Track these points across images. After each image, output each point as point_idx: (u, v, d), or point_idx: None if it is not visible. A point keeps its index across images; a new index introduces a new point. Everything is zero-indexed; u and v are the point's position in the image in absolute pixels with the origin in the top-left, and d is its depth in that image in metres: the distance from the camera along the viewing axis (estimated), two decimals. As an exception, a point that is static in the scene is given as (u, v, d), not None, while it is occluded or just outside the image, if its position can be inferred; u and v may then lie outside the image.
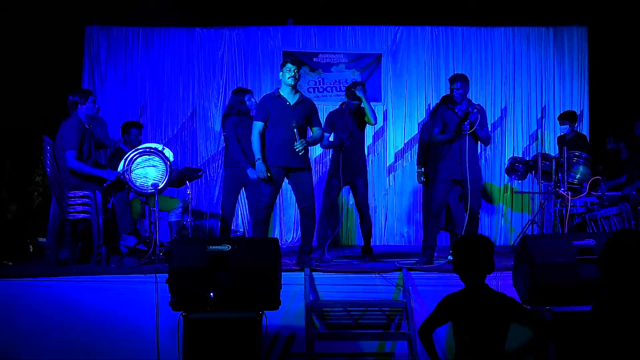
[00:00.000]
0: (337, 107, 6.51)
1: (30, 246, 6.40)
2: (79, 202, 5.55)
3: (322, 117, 6.43)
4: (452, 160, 5.69)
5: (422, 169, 6.67)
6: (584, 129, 8.34)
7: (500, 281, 4.71)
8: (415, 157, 7.11)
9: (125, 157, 5.52)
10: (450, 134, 5.69)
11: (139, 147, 5.68)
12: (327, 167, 6.52)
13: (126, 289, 4.94)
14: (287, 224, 8.30)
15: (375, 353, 4.97)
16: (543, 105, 8.48)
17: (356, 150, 6.24)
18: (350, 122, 6.20)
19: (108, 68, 8.27)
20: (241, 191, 6.59)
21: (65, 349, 4.82)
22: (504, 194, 8.41)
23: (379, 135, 8.42)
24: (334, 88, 8.33)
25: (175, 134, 8.34)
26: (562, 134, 7.76)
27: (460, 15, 8.32)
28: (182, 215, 7.22)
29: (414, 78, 8.40)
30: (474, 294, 3.20)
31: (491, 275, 3.25)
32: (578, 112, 8.17)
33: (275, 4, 8.22)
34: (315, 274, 5.13)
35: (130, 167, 5.46)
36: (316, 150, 8.04)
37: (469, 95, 5.83)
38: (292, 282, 4.96)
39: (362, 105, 6.13)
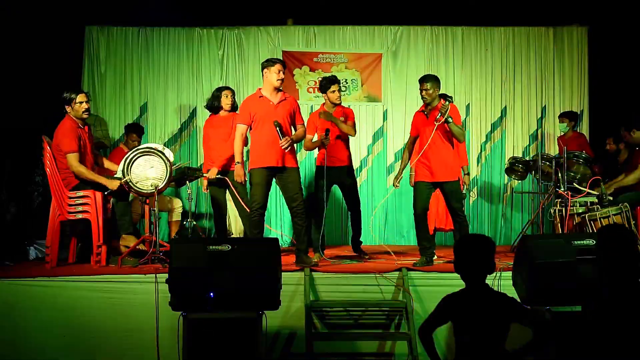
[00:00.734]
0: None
1: (29, 248, 6.39)
2: (79, 202, 5.55)
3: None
4: (425, 163, 5.65)
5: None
6: (584, 129, 8.34)
7: (500, 281, 4.72)
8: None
9: (125, 158, 5.52)
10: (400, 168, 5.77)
11: (138, 147, 5.68)
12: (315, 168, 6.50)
13: (126, 289, 4.94)
14: (287, 224, 8.30)
15: (375, 353, 4.97)
16: (543, 105, 8.48)
17: (339, 148, 6.22)
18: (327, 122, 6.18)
19: (108, 68, 8.27)
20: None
21: (65, 349, 4.82)
22: (504, 194, 8.41)
23: (379, 135, 8.42)
24: (334, 88, 8.30)
25: (175, 134, 8.34)
26: (562, 133, 7.77)
27: (460, 15, 8.32)
28: (182, 215, 7.23)
29: (414, 78, 8.37)
30: (474, 294, 3.20)
31: (491, 275, 3.25)
32: (578, 112, 8.17)
33: (275, 4, 8.22)
34: (315, 274, 5.14)
35: (130, 168, 5.46)
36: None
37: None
38: (292, 282, 4.96)
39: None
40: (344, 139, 6.26)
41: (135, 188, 5.49)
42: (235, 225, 7.21)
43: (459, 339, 3.20)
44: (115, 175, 5.60)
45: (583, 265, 3.85)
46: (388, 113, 8.40)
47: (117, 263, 5.43)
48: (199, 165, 8.20)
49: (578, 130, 8.00)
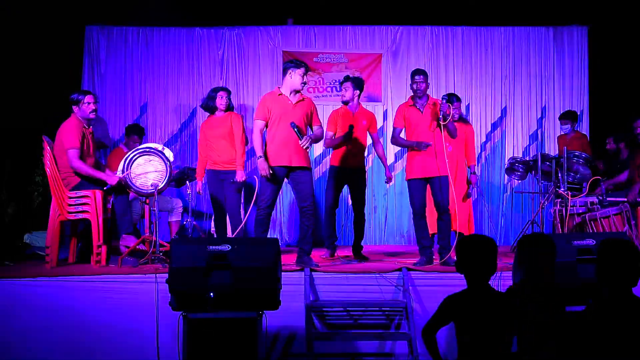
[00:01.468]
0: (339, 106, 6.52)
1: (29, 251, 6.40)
2: (79, 202, 5.55)
3: (322, 117, 6.46)
4: (419, 159, 5.64)
5: None
6: (584, 129, 8.34)
7: (500, 281, 4.71)
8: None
9: (125, 158, 5.53)
10: (412, 143, 5.64)
11: (138, 147, 5.69)
12: (328, 167, 6.53)
13: (126, 289, 4.94)
14: (287, 224, 8.31)
15: (375, 353, 4.96)
16: (543, 105, 8.48)
17: (352, 148, 6.23)
18: (345, 120, 6.19)
19: (108, 68, 8.27)
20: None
21: (65, 349, 4.81)
22: (504, 194, 8.41)
23: (378, 135, 8.40)
24: (334, 88, 8.33)
25: (175, 134, 8.34)
26: (563, 133, 7.77)
27: (460, 15, 8.32)
28: (182, 215, 7.24)
29: (414, 78, 8.39)
30: (476, 295, 3.19)
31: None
32: (578, 112, 8.17)
33: (275, 4, 8.22)
34: (315, 274, 5.13)
35: (130, 168, 5.46)
36: (316, 150, 8.05)
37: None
38: (292, 282, 4.95)
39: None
40: (361, 140, 6.28)
41: (135, 188, 5.49)
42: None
43: (460, 339, 3.19)
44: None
45: (583, 265, 3.85)
46: (388, 113, 8.40)
47: (117, 263, 5.43)
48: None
49: (578, 130, 8.00)
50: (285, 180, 5.56)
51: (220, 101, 6.38)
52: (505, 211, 8.40)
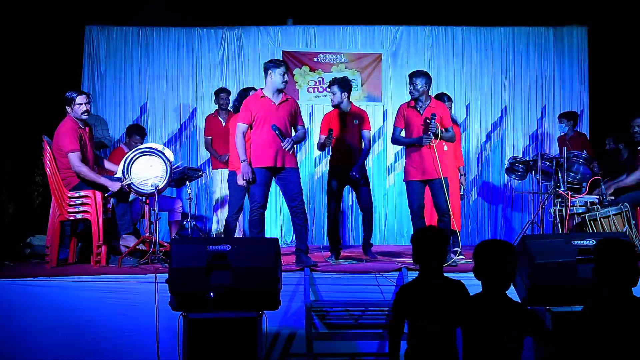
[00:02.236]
0: None
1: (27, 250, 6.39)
2: (79, 202, 5.55)
3: (322, 118, 6.46)
4: (418, 161, 5.64)
5: None
6: (584, 129, 8.34)
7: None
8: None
9: (125, 158, 5.53)
10: (413, 140, 5.63)
11: (139, 148, 5.69)
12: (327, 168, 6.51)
13: (126, 289, 4.94)
14: (287, 224, 8.30)
15: (375, 353, 4.96)
16: (543, 105, 8.49)
17: (347, 149, 6.22)
18: (337, 121, 6.18)
19: (108, 68, 8.28)
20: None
21: (65, 349, 4.81)
22: (504, 194, 8.42)
23: (378, 135, 8.43)
24: (334, 88, 8.30)
25: (175, 134, 8.34)
26: (563, 133, 7.77)
27: (460, 15, 8.32)
28: (182, 215, 7.23)
29: (414, 78, 8.39)
30: (489, 301, 3.12)
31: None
32: (578, 112, 8.17)
33: (275, 4, 8.22)
34: (315, 274, 5.13)
35: (130, 168, 5.46)
36: (316, 150, 8.04)
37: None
38: (292, 282, 4.96)
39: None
40: (355, 140, 6.27)
41: (136, 188, 5.49)
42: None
43: (467, 344, 3.13)
44: (115, 176, 5.60)
45: (583, 265, 3.85)
46: (388, 113, 8.40)
47: (117, 263, 5.43)
48: (199, 165, 8.22)
49: (578, 130, 8.00)
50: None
51: None
52: (505, 211, 8.40)
